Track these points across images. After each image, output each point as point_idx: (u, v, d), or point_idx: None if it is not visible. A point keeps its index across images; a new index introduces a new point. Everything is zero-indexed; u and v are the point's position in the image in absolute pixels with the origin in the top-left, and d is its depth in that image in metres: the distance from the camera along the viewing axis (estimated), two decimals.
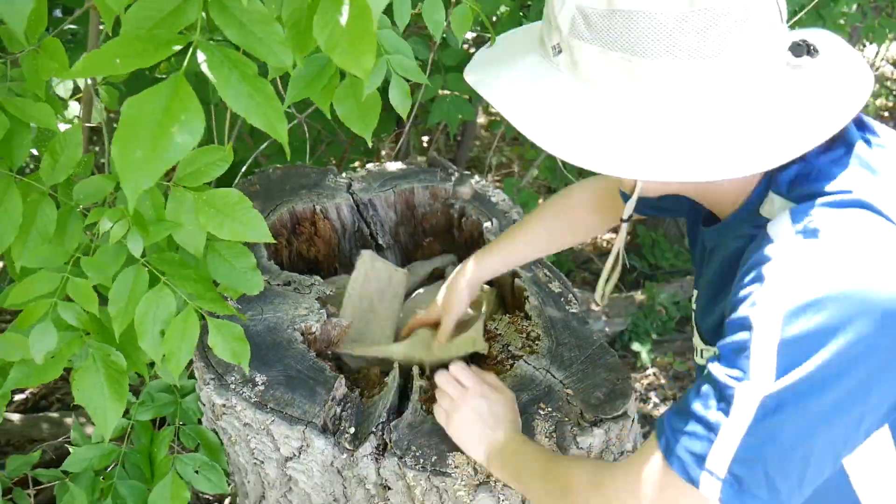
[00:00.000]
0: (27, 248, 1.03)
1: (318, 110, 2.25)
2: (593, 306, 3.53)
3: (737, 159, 0.77)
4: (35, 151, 1.21)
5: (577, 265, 4.58)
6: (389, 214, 1.70)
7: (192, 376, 1.34)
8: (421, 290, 1.62)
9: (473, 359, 1.41)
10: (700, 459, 0.76)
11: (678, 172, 0.77)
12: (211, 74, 0.68)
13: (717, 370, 0.78)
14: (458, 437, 1.12)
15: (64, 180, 1.06)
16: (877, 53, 4.23)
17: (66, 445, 1.47)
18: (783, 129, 0.78)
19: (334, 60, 0.71)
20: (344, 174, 1.73)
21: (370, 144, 1.03)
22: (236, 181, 2.07)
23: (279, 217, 1.55)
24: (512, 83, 0.88)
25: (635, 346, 3.62)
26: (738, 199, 0.90)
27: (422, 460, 1.11)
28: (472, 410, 1.12)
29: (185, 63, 0.67)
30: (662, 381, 3.58)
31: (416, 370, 1.27)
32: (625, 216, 1.11)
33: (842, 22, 2.43)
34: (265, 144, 2.23)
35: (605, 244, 4.97)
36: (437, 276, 1.70)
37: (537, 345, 1.34)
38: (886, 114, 7.17)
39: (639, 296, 3.87)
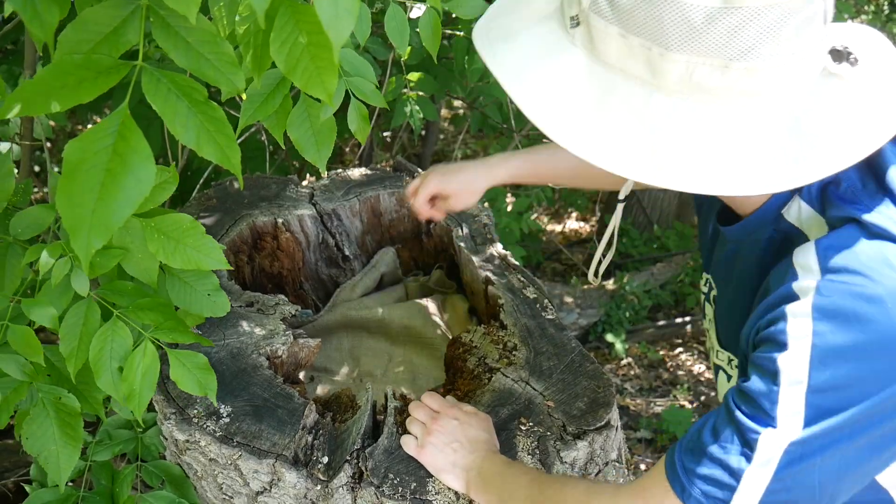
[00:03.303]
0: None
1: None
2: (566, 298, 3.51)
3: (762, 176, 0.70)
4: None
5: (547, 256, 4.56)
6: (355, 223, 1.64)
7: (151, 409, 1.27)
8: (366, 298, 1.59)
9: (451, 372, 1.36)
10: None
11: (695, 183, 0.71)
12: (156, 105, 0.61)
13: (739, 412, 0.75)
14: (433, 465, 1.06)
15: None
16: None
17: (24, 484, 1.38)
18: (817, 144, 0.71)
19: (295, 82, 0.65)
20: (305, 183, 1.67)
21: (324, 174, 0.97)
22: (195, 192, 1.99)
23: (239, 232, 1.48)
24: (522, 56, 0.78)
25: (609, 337, 3.61)
26: (760, 199, 0.85)
27: (400, 488, 1.06)
28: (445, 434, 1.07)
29: (129, 94, 0.60)
30: (637, 370, 3.57)
31: (389, 390, 1.21)
32: (622, 195, 1.04)
33: None
34: None
35: (573, 235, 4.96)
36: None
37: (515, 355, 1.29)
38: None
39: (610, 286, 3.87)
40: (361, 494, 1.06)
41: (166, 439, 1.20)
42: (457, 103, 4.77)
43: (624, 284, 3.80)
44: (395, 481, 1.06)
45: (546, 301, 1.43)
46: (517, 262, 1.53)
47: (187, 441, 1.10)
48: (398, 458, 1.09)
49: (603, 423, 1.18)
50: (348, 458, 1.09)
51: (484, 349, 1.32)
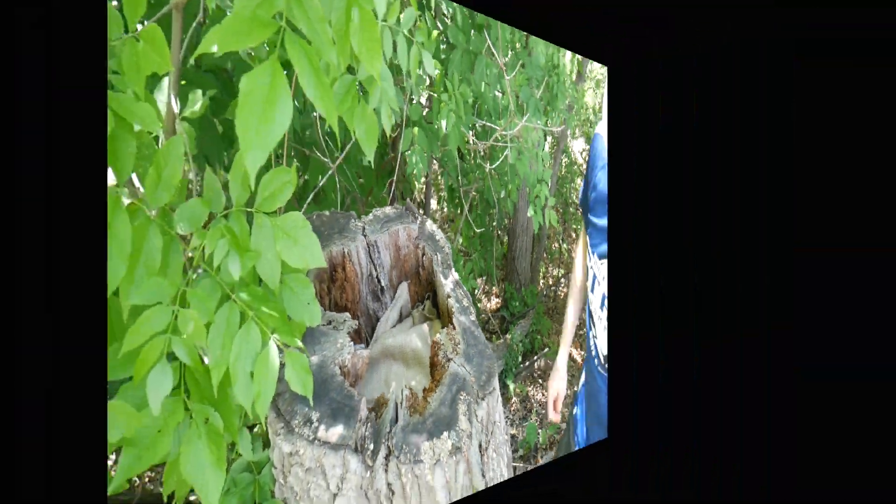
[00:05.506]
0: (135, 283, 0.89)
1: (341, 165, 2.47)
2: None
3: None
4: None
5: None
6: (386, 257, 1.73)
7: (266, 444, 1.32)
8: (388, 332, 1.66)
9: (432, 367, 1.49)
10: None
11: None
12: (292, 56, 0.75)
13: None
14: None
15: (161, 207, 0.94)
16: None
17: None
18: None
19: (364, 61, 0.83)
20: (360, 218, 1.72)
21: (370, 162, 1.11)
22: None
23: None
24: None
25: (508, 381, 4.34)
26: None
27: (408, 455, 1.15)
28: None
29: (277, 47, 0.74)
30: (517, 405, 4.35)
31: (403, 383, 1.36)
32: None
33: None
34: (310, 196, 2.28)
35: (494, 307, 5.56)
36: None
37: (460, 348, 1.46)
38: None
39: (509, 340, 4.68)
40: (390, 468, 1.15)
41: (276, 468, 1.25)
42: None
43: (512, 338, 4.57)
44: (405, 450, 1.17)
45: (471, 308, 1.60)
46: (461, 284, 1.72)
47: (291, 454, 1.16)
48: (408, 431, 1.22)
49: (491, 389, 1.37)
50: (383, 441, 1.18)
51: (445, 346, 1.47)
